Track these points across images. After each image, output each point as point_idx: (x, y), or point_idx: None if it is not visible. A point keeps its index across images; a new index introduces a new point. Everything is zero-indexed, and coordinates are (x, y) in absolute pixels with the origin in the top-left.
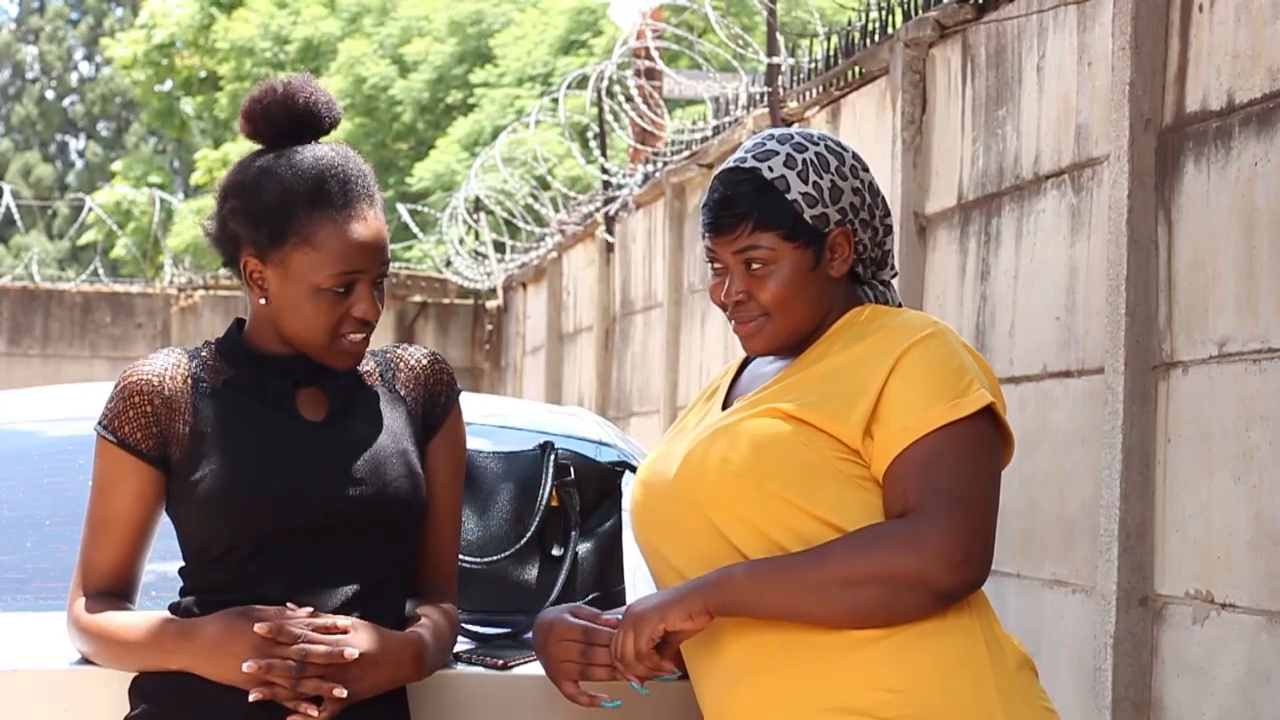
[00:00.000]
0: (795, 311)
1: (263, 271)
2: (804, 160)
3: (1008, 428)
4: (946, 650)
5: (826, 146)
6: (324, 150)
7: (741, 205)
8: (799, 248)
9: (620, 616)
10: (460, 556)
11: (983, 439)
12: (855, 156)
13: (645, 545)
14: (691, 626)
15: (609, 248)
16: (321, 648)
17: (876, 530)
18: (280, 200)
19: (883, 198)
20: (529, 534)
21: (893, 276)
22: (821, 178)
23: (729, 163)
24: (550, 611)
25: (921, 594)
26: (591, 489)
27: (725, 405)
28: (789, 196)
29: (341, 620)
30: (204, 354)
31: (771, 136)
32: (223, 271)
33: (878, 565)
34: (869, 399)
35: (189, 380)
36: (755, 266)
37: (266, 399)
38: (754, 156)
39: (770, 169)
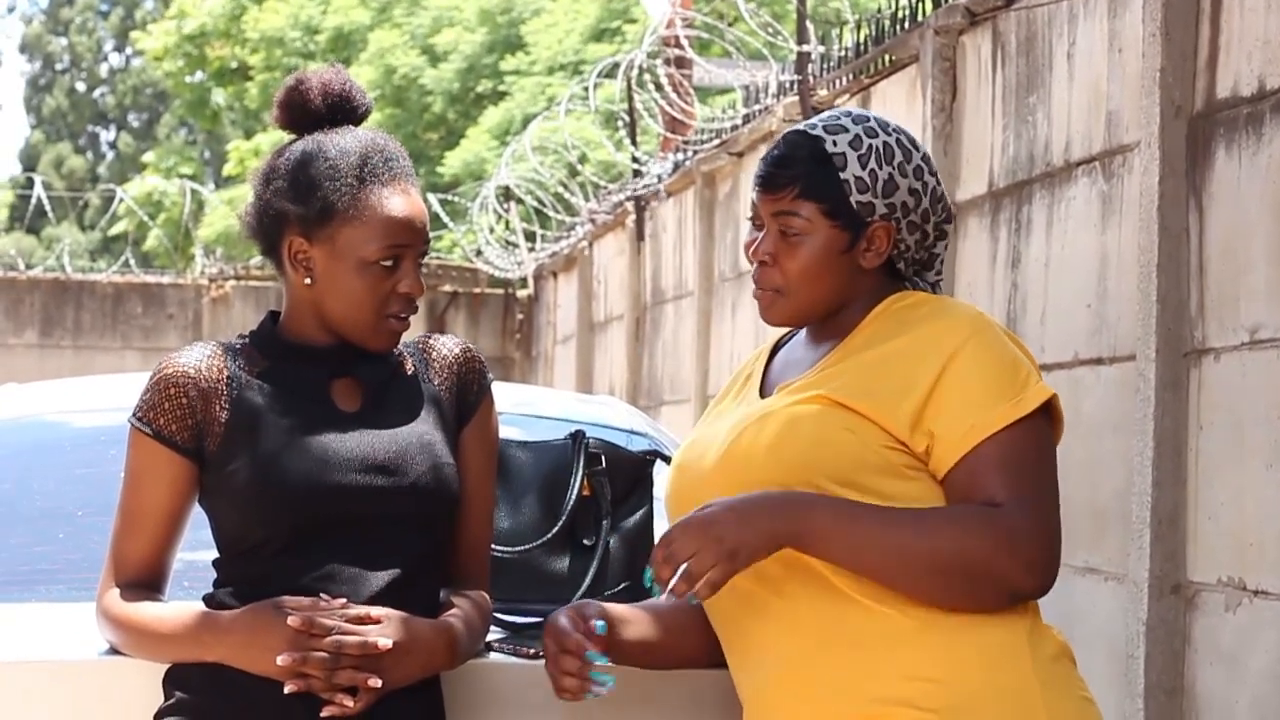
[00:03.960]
0: (813, 290)
1: (308, 250)
2: (870, 145)
3: (1060, 413)
4: (988, 641)
5: (899, 140)
6: (362, 131)
7: (795, 168)
8: (835, 227)
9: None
10: (492, 545)
11: (1044, 434)
12: (925, 159)
13: None
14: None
15: (639, 236)
16: (355, 639)
17: (978, 517)
18: (328, 175)
19: (945, 204)
20: (560, 523)
21: (937, 279)
22: (881, 168)
23: (799, 126)
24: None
25: (1001, 592)
26: (623, 478)
27: (762, 391)
28: (842, 175)
29: (375, 611)
30: (239, 346)
31: (848, 114)
32: (254, 262)
33: (971, 553)
34: (919, 394)
35: (224, 372)
36: (789, 233)
37: (301, 390)
38: (824, 127)
39: (835, 143)
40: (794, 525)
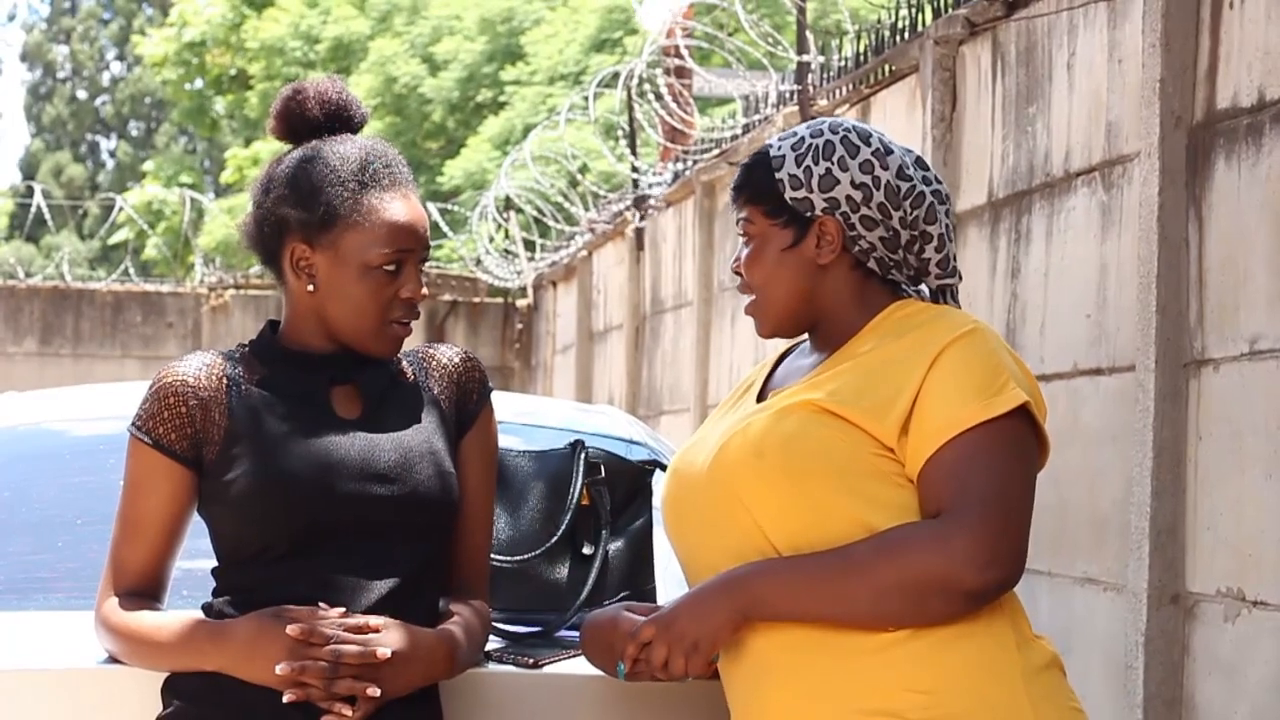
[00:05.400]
0: (775, 290)
1: (311, 257)
2: (811, 144)
3: (1044, 431)
4: (976, 652)
5: (844, 138)
6: (361, 139)
7: (744, 178)
8: (776, 225)
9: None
10: (491, 555)
11: (1016, 439)
12: (878, 154)
13: (675, 535)
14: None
15: (639, 245)
16: (354, 648)
17: (905, 532)
18: (329, 181)
19: (921, 203)
20: (560, 532)
21: (943, 285)
22: (817, 164)
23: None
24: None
25: (951, 596)
26: (622, 487)
27: (761, 399)
28: (778, 175)
29: (374, 620)
30: (238, 355)
31: (822, 121)
32: (254, 270)
33: (906, 570)
34: (907, 397)
35: (224, 381)
36: (747, 241)
37: (301, 398)
38: (780, 137)
39: (779, 148)
40: (741, 602)
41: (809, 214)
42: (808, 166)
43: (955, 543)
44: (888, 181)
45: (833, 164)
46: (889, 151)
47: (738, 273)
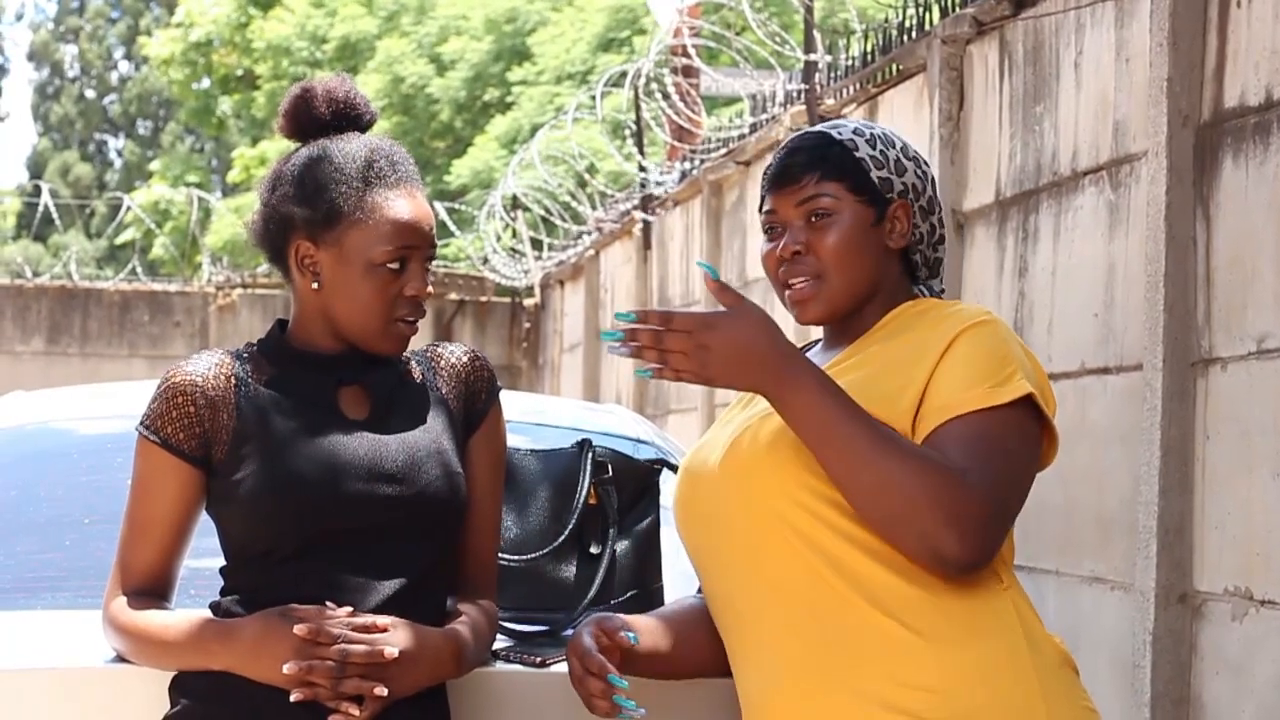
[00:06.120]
0: (850, 270)
1: (315, 255)
2: (872, 133)
3: (1053, 426)
4: (991, 652)
5: (891, 133)
6: (368, 137)
7: (809, 155)
8: (862, 202)
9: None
10: (499, 554)
11: (1019, 429)
12: (919, 157)
13: (688, 534)
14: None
15: (646, 245)
16: (361, 647)
17: (929, 457)
18: (334, 179)
19: (940, 211)
20: (567, 532)
21: (941, 290)
22: (890, 149)
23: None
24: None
25: (921, 541)
26: (629, 487)
27: None
28: (857, 154)
29: (381, 619)
30: (246, 355)
31: (842, 121)
32: (261, 269)
33: (910, 490)
34: (918, 384)
35: (232, 380)
36: (817, 218)
37: (309, 398)
38: (824, 127)
39: (839, 133)
40: (777, 389)
41: (889, 195)
42: (882, 150)
43: (948, 499)
44: (932, 178)
45: (899, 153)
46: (915, 147)
47: (794, 252)
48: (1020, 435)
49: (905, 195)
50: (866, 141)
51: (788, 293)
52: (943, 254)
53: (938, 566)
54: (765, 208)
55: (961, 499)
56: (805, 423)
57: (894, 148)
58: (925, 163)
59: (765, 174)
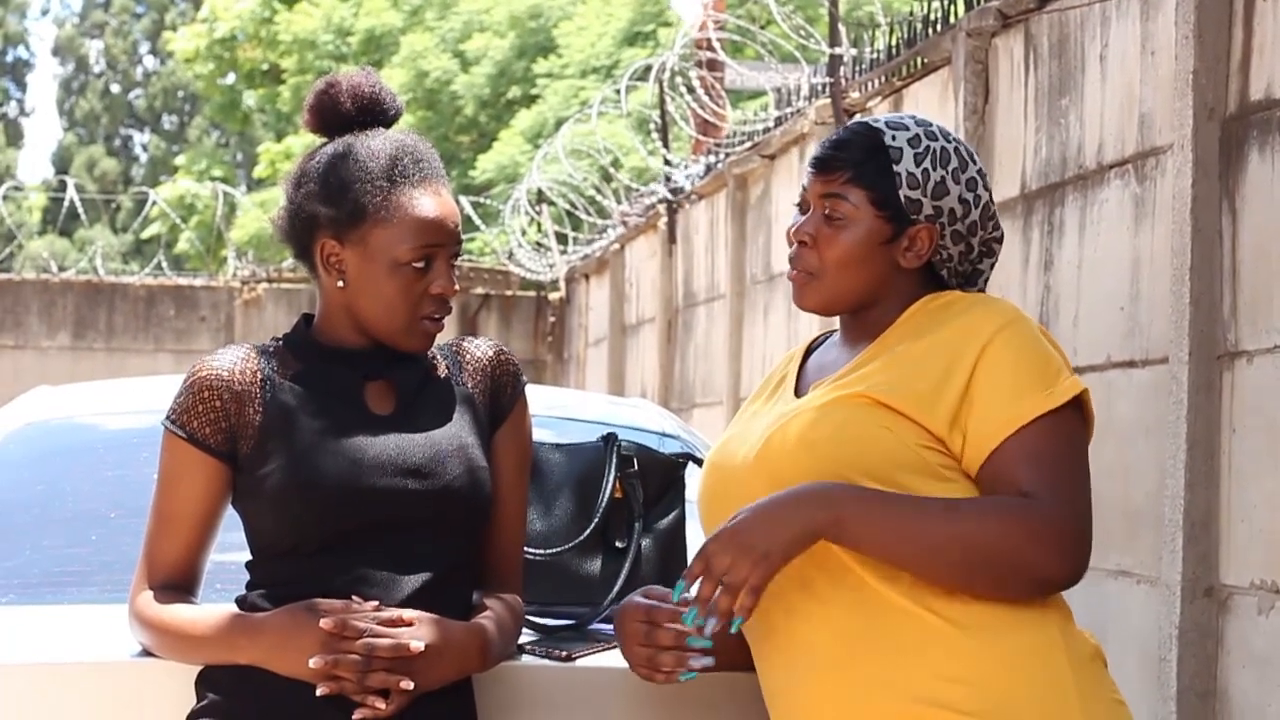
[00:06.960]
0: (846, 278)
1: (340, 253)
2: (929, 146)
3: (1091, 408)
4: (1024, 643)
5: (958, 149)
6: (393, 133)
7: (851, 153)
8: (880, 218)
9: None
10: (524, 548)
11: (1076, 428)
12: (981, 174)
13: (713, 528)
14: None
15: (671, 239)
16: (387, 641)
17: (1003, 504)
18: (358, 177)
19: (997, 222)
20: (592, 526)
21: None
22: (935, 169)
23: (864, 119)
24: (629, 596)
25: (1033, 580)
26: (655, 481)
27: (797, 392)
28: (896, 168)
29: (407, 613)
30: (272, 349)
31: (913, 117)
32: (286, 264)
33: (1002, 542)
34: (956, 389)
35: (258, 375)
36: (834, 217)
37: (335, 393)
38: (887, 122)
39: (894, 137)
40: (825, 516)
41: (915, 216)
42: (926, 169)
43: (1050, 533)
44: (985, 203)
45: (948, 174)
46: (982, 170)
47: (801, 241)
48: (1078, 437)
49: (936, 220)
50: (916, 156)
51: (789, 272)
52: (987, 268)
53: (1051, 591)
54: (803, 182)
55: (1051, 522)
56: (865, 531)
57: (945, 167)
58: (981, 184)
59: (816, 148)
